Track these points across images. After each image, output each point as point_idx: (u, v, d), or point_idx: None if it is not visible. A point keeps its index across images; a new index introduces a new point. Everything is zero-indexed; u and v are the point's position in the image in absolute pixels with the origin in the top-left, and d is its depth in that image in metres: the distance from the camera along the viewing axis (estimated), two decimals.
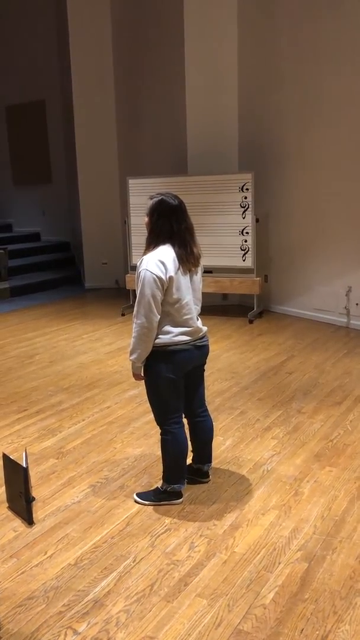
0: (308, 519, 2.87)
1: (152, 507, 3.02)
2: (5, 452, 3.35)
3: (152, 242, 2.84)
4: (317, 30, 6.10)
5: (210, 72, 6.95)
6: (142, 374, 2.93)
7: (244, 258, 6.64)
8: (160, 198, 2.85)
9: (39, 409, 4.38)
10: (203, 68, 6.94)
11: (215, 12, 6.81)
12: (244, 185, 6.50)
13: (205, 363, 3.07)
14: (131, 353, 2.86)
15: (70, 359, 5.55)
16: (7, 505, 3.07)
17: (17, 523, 2.93)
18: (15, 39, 10.60)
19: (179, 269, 2.80)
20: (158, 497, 3.04)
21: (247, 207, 6.53)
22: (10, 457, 3.07)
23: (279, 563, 2.55)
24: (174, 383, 2.88)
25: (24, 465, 2.92)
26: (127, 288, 7.46)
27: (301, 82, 6.35)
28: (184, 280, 2.84)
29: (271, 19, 6.52)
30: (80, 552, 2.68)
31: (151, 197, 2.89)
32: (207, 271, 6.48)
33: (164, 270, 2.75)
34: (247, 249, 6.61)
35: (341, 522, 2.84)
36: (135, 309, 2.82)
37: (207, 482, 3.23)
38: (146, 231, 2.90)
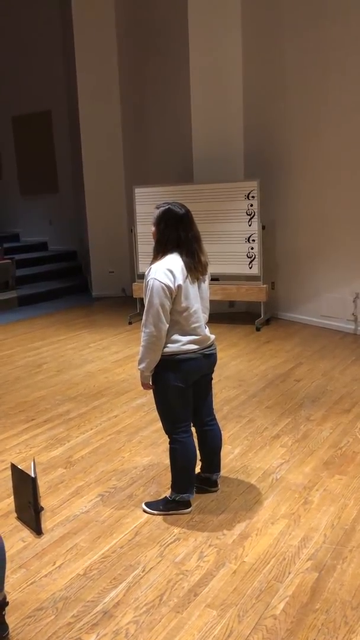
0: (318, 528, 2.85)
1: (160, 516, 3.00)
2: (14, 462, 3.35)
3: (160, 251, 2.85)
4: (322, 38, 6.11)
5: (215, 81, 6.98)
6: (151, 383, 2.93)
7: (250, 265, 6.64)
8: (166, 207, 2.86)
9: (47, 418, 4.39)
10: (208, 77, 6.97)
11: (220, 21, 6.84)
12: (249, 192, 6.51)
13: (213, 371, 3.07)
14: (140, 362, 2.86)
15: (77, 368, 5.56)
16: (15, 515, 3.07)
17: (26, 533, 2.93)
18: (20, 49, 10.70)
19: (187, 277, 2.80)
20: (167, 507, 3.03)
21: (253, 214, 6.54)
22: (19, 466, 3.07)
23: (289, 573, 2.54)
24: (182, 392, 2.88)
25: (32, 475, 2.92)
26: (134, 296, 7.47)
27: (306, 89, 6.36)
28: (192, 289, 2.84)
29: (276, 28, 6.55)
30: (89, 563, 2.67)
31: (158, 207, 2.89)
32: (214, 279, 6.47)
33: (172, 279, 2.75)
34: (253, 257, 6.61)
35: (351, 531, 2.81)
36: (143, 318, 2.82)
37: (215, 491, 3.21)
38: (153, 240, 2.91)
